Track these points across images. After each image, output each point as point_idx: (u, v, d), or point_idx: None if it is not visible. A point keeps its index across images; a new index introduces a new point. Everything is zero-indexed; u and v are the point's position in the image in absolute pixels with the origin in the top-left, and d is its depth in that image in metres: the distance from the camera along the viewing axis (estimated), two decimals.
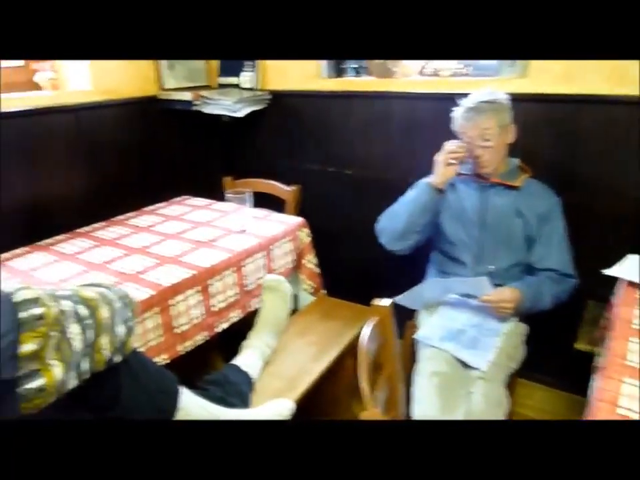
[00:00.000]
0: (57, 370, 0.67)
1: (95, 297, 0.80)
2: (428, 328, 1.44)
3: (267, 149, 2.30)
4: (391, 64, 1.86)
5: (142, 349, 1.25)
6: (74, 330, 0.72)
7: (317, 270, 1.83)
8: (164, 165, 2.21)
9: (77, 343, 0.72)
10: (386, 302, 1.08)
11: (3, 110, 1.68)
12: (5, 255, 1.49)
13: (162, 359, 1.32)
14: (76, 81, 1.92)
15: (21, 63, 1.86)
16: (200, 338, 1.42)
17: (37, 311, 0.64)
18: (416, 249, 1.60)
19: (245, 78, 2.22)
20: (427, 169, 1.55)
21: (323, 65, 2.03)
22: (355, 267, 2.18)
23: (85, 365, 0.75)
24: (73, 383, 0.73)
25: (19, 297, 0.64)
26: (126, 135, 2.07)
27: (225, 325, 1.49)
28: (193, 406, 1.01)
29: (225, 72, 2.31)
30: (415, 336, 1.43)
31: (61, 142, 1.86)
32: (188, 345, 1.39)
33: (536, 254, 1.47)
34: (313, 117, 2.13)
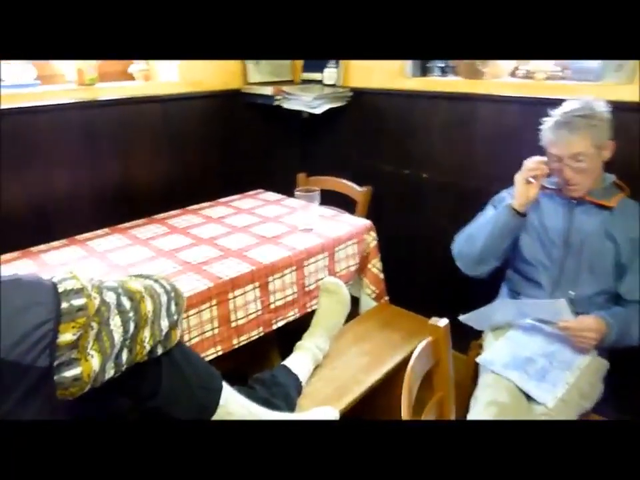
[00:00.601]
0: (94, 360, 0.69)
1: (140, 290, 0.82)
2: (492, 352, 1.34)
3: (343, 147, 2.27)
4: (480, 64, 1.74)
5: (197, 340, 1.29)
6: (115, 322, 0.74)
7: (382, 275, 1.77)
8: (242, 158, 2.26)
9: (117, 335, 0.74)
10: (443, 322, 1.01)
11: (101, 98, 1.80)
12: (87, 235, 1.60)
13: (216, 350, 1.34)
14: (165, 73, 2.01)
15: None
16: (255, 333, 1.43)
17: (79, 301, 0.66)
18: None
19: (328, 74, 2.20)
20: (511, 180, 1.44)
21: (408, 63, 1.95)
22: (422, 276, 2.10)
23: (124, 356, 0.77)
24: (110, 373, 0.75)
25: (63, 286, 0.66)
26: (208, 126, 2.13)
27: (281, 323, 1.49)
28: (234, 404, 1.01)
29: (308, 68, 2.30)
30: (477, 359, 1.34)
31: (148, 130, 1.96)
32: (243, 339, 1.40)
33: (627, 284, 1.31)
34: (393, 117, 2.06)
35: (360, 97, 2.14)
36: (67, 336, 0.64)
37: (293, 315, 1.52)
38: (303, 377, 1.30)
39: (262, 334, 1.45)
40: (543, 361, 1.28)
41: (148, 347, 0.82)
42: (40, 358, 0.60)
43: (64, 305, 0.64)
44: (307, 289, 1.54)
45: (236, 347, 1.39)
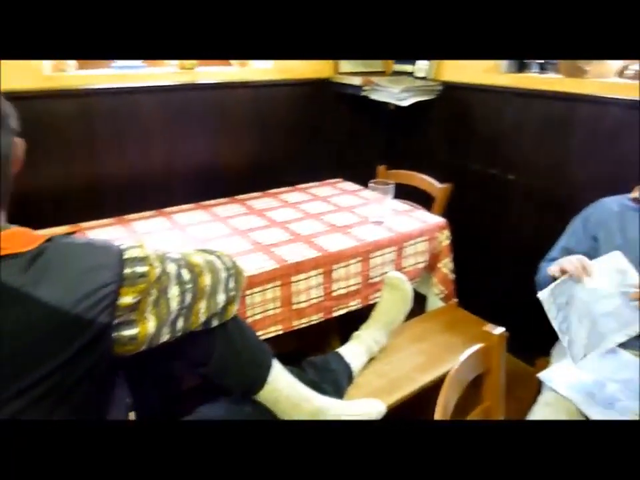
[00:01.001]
0: (150, 324, 0.76)
1: (201, 264, 0.88)
2: (558, 369, 1.26)
3: (427, 142, 2.22)
4: (584, 62, 1.61)
5: (259, 317, 1.35)
6: (173, 291, 0.80)
7: (452, 276, 1.73)
8: (326, 147, 2.29)
9: (175, 304, 0.80)
10: (499, 330, 0.97)
11: (201, 81, 1.92)
12: (173, 209, 1.73)
13: (276, 329, 1.40)
14: (260, 60, 2.08)
15: None
16: (316, 318, 1.47)
17: (141, 269, 0.73)
18: None
19: (420, 66, 2.15)
20: (607, 189, 1.34)
21: None
22: (496, 282, 2.01)
23: (180, 324, 0.84)
24: (165, 337, 0.82)
25: (128, 254, 0.73)
26: (296, 113, 2.19)
27: (342, 311, 1.52)
28: (282, 382, 1.05)
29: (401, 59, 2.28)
30: (539, 375, 1.27)
31: (240, 114, 2.06)
32: (303, 322, 1.45)
33: None
34: (483, 113, 1.98)
35: (450, 91, 2.08)
36: (126, 299, 0.71)
37: (354, 304, 1.54)
38: (355, 366, 1.32)
39: (322, 319, 1.48)
40: (614, 387, 1.19)
41: (203, 318, 0.89)
42: (101, 315, 0.68)
43: (127, 270, 0.72)
44: (371, 280, 1.55)
45: (295, 328, 1.44)
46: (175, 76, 1.89)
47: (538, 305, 1.52)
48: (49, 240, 0.69)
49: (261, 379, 1.02)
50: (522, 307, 1.79)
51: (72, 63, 1.75)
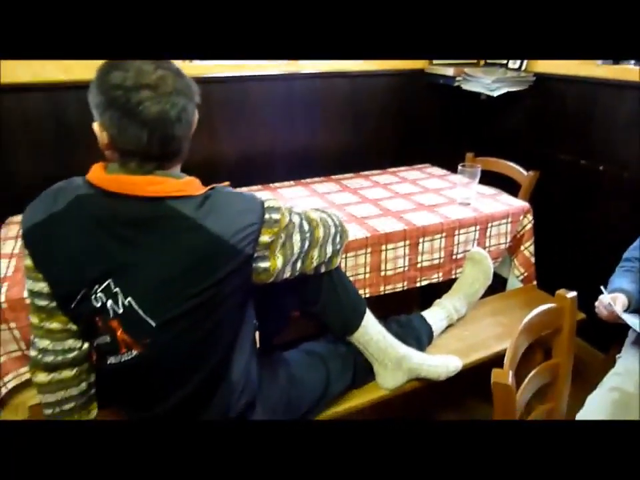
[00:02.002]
0: (279, 260, 0.96)
1: (317, 219, 1.07)
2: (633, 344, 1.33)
3: (517, 131, 2.28)
4: None
5: (351, 279, 1.53)
6: (296, 238, 1.00)
7: (533, 259, 1.80)
8: (418, 133, 2.42)
9: (296, 248, 1.00)
10: (571, 294, 1.08)
11: (302, 72, 2.12)
12: (277, 185, 1.96)
13: (365, 292, 1.57)
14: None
15: None
16: (400, 286, 1.62)
17: (276, 216, 0.93)
18: None
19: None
20: None
21: None
22: (578, 271, 2.04)
23: (298, 265, 1.04)
24: (287, 274, 1.02)
25: (267, 203, 0.94)
26: (389, 102, 2.33)
27: (425, 282, 1.66)
28: (373, 329, 1.23)
29: None
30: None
31: (337, 102, 2.24)
32: (388, 288, 1.61)
33: None
34: (575, 104, 2.01)
35: (542, 82, 2.12)
36: (264, 237, 0.91)
37: (437, 277, 1.67)
38: (435, 329, 1.46)
39: (406, 288, 1.64)
40: None
41: (315, 264, 1.08)
42: (247, 247, 0.89)
43: (266, 216, 0.92)
44: (454, 256, 1.67)
45: (382, 293, 1.60)
46: (281, 66, 2.11)
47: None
48: (212, 188, 0.91)
49: (355, 322, 1.20)
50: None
51: None
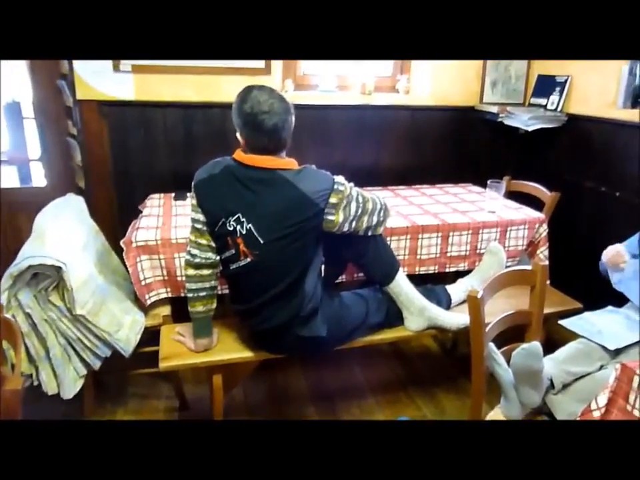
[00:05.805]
0: (340, 216, 1.47)
1: (367, 196, 1.57)
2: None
3: (549, 162, 2.69)
4: None
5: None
6: (353, 205, 1.51)
7: (547, 262, 2.19)
8: (463, 159, 2.89)
9: (352, 211, 1.51)
10: (544, 263, 1.51)
11: (373, 103, 2.67)
12: None
13: (402, 270, 2.04)
14: (420, 89, 2.77)
15: (388, 73, 2.81)
16: (432, 269, 2.08)
17: (341, 188, 1.46)
18: None
19: (552, 100, 2.65)
20: None
21: (620, 95, 2.28)
22: (588, 295, 2.39)
23: (353, 225, 1.54)
24: (345, 228, 1.52)
25: (337, 179, 1.46)
26: (444, 132, 2.83)
27: (452, 269, 2.10)
28: (404, 283, 1.71)
29: (537, 94, 2.78)
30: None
31: (399, 130, 2.77)
32: (422, 269, 2.07)
33: None
34: (599, 141, 2.41)
35: (574, 121, 2.54)
36: (332, 199, 1.44)
37: (462, 266, 2.11)
38: (454, 299, 1.90)
39: (436, 272, 2.09)
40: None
41: (364, 226, 1.58)
42: (321, 203, 1.41)
43: (335, 186, 1.45)
44: (478, 251, 2.11)
45: (416, 274, 2.07)
46: (357, 98, 2.67)
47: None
48: (304, 167, 1.46)
49: (392, 275, 1.69)
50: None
51: (290, 85, 2.62)
